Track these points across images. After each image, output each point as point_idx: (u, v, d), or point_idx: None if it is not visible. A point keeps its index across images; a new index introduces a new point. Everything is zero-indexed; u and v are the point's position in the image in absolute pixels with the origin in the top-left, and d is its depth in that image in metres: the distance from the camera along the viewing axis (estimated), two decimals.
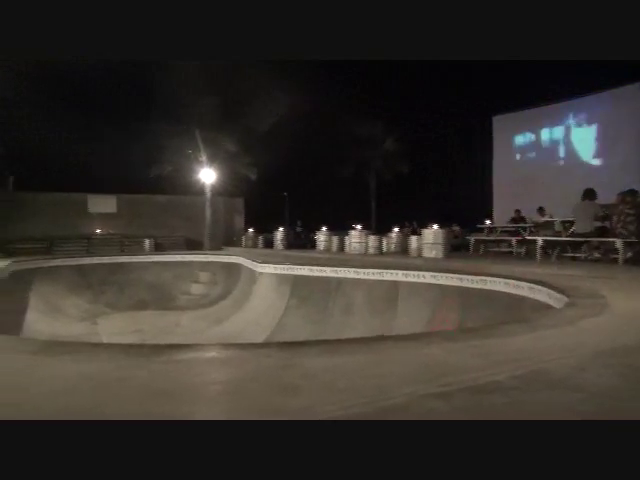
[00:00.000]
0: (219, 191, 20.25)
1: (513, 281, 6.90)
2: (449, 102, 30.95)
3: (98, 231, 18.62)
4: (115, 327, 12.14)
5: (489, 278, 7.55)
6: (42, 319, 11.55)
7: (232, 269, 15.42)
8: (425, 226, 13.10)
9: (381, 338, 2.86)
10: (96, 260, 15.72)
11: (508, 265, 9.20)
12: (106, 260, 15.87)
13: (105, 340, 10.14)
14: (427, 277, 8.94)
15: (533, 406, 1.77)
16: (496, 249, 14.10)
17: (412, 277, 9.20)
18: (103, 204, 18.95)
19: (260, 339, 9.53)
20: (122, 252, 17.66)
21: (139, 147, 19.51)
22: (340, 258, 13.21)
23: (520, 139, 20.85)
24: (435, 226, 12.10)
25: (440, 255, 11.60)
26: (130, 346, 2.77)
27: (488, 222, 17.24)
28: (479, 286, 7.65)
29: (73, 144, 24.01)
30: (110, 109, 23.40)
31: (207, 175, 19.69)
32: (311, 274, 11.13)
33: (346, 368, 2.10)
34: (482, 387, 1.92)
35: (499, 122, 21.54)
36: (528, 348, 2.56)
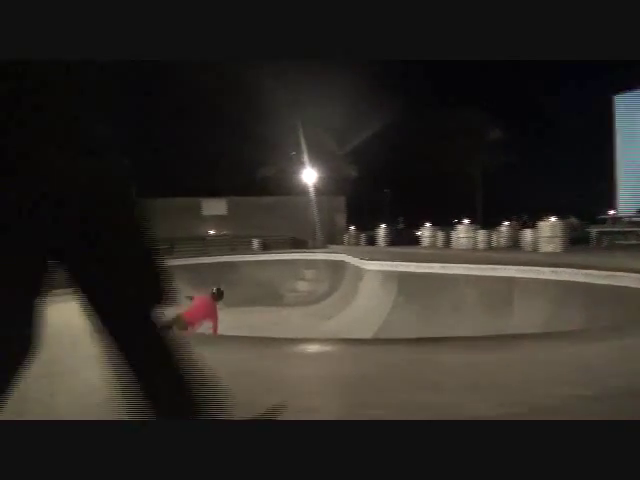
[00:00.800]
0: (321, 191, 20.66)
1: None
2: (560, 83, 28.70)
3: (211, 232, 19.88)
4: (228, 322, 12.83)
5: (620, 273, 6.86)
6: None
7: (337, 266, 15.61)
8: (537, 218, 12.26)
9: (519, 336, 2.70)
10: (210, 259, 16.78)
11: None
12: (219, 259, 16.90)
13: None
14: (546, 273, 8.34)
15: None
16: (622, 241, 12.81)
17: (529, 273, 8.63)
18: (215, 207, 20.20)
19: (367, 336, 9.51)
20: (232, 251, 18.67)
21: (247, 151, 20.49)
22: (447, 254, 12.81)
23: None
24: (553, 218, 11.27)
25: (559, 249, 10.77)
26: (260, 339, 2.89)
27: (612, 212, 15.77)
28: (608, 282, 6.97)
29: (183, 152, 25.88)
30: (221, 116, 24.87)
31: (309, 175, 20.17)
32: (418, 271, 10.90)
33: (487, 365, 2.00)
34: None
35: (623, 101, 19.51)
36: None
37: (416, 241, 19.77)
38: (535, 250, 11.46)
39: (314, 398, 1.76)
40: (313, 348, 2.56)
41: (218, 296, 8.58)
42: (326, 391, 1.86)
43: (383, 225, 20.03)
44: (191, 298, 8.14)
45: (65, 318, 3.83)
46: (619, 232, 13.16)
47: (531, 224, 15.98)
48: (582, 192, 23.98)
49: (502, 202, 25.49)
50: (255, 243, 19.23)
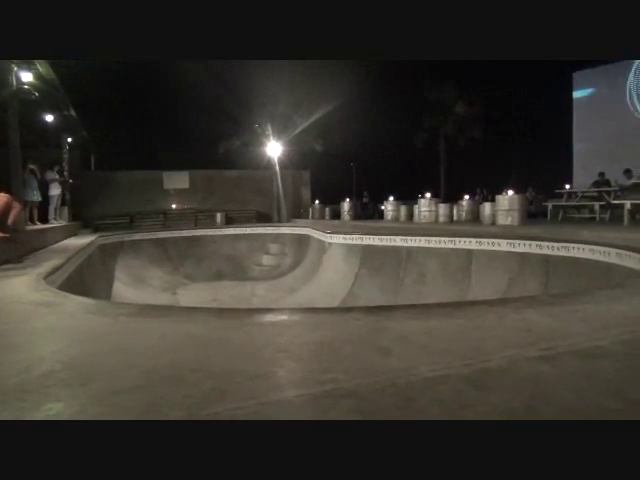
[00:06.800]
0: (286, 164, 20.45)
1: (600, 247, 6.49)
2: (523, 59, 29.01)
3: (173, 206, 19.47)
4: (194, 297, 12.75)
5: (573, 245, 7.15)
6: (127, 289, 12.35)
7: (301, 240, 15.64)
8: (498, 192, 12.57)
9: (474, 302, 2.79)
10: (173, 234, 16.48)
11: (593, 231, 8.66)
12: (182, 234, 16.60)
13: None
14: (503, 245, 8.61)
15: None
16: (577, 215, 13.31)
17: (486, 245, 8.90)
18: (177, 180, 19.72)
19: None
20: (196, 226, 18.39)
21: (209, 124, 19.99)
22: (409, 227, 13.02)
23: (604, 96, 19.24)
24: (510, 192, 11.57)
25: (516, 222, 11.11)
26: (223, 310, 2.89)
27: (567, 187, 16.32)
28: (562, 253, 7.27)
29: (144, 124, 25.07)
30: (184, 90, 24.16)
31: (274, 149, 19.92)
32: (380, 244, 11.05)
33: (440, 331, 2.07)
34: (587, 351, 1.84)
35: (580, 78, 19.99)
36: (632, 314, 2.41)
37: (381, 215, 19.99)
38: (493, 223, 11.78)
39: (276, 363, 1.79)
40: (281, 317, 2.58)
41: None
42: (287, 357, 1.89)
43: (347, 199, 20.11)
44: None
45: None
46: (574, 206, 13.61)
47: (490, 198, 16.38)
48: (542, 167, 24.62)
49: (465, 176, 25.89)
50: (219, 217, 18.99)
